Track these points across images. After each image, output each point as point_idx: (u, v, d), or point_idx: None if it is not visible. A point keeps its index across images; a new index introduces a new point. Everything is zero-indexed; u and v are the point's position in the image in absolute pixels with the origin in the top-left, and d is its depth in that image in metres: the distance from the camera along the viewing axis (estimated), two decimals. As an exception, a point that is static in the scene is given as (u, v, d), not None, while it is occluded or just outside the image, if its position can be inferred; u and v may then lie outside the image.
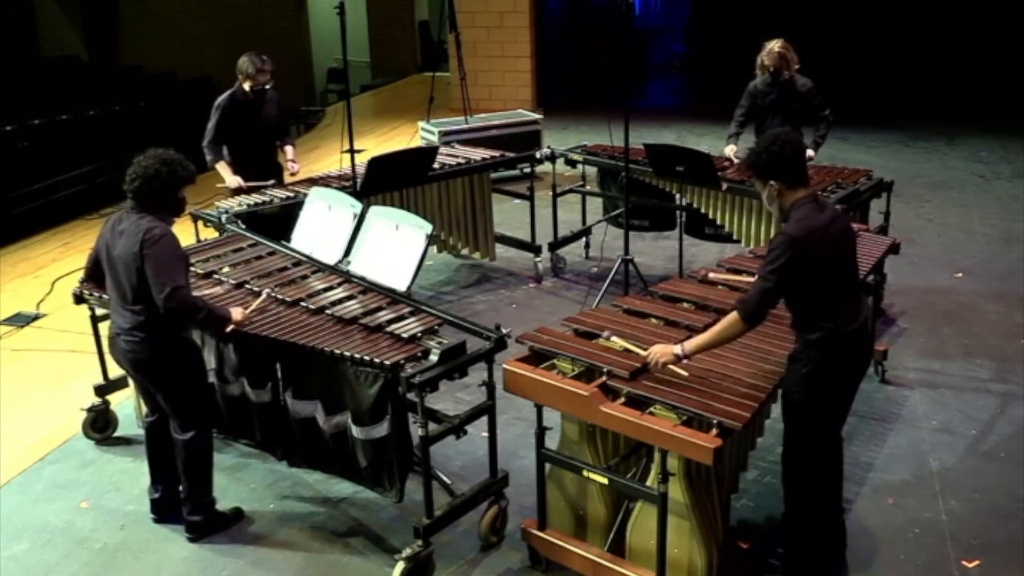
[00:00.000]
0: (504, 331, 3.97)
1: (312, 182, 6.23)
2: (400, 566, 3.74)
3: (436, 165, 6.57)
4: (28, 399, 5.43)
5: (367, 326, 4.05)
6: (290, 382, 4.17)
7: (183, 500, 4.16)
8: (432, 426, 3.80)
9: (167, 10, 16.75)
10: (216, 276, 4.66)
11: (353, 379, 3.84)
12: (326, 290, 4.48)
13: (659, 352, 3.57)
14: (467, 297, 6.83)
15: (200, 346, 4.29)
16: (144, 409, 4.33)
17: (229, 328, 4.01)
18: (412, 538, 3.81)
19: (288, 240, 5.13)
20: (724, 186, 6.06)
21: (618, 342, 3.80)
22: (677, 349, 3.54)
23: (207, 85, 13.60)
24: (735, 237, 6.19)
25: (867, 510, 4.24)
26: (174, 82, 14.56)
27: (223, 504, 4.29)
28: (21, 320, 6.48)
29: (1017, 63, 12.72)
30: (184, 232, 4.00)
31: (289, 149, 6.49)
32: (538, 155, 7.20)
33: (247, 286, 4.54)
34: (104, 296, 4.51)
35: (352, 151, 6.15)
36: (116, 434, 5.01)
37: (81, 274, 4.55)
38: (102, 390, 4.97)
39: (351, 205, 5.00)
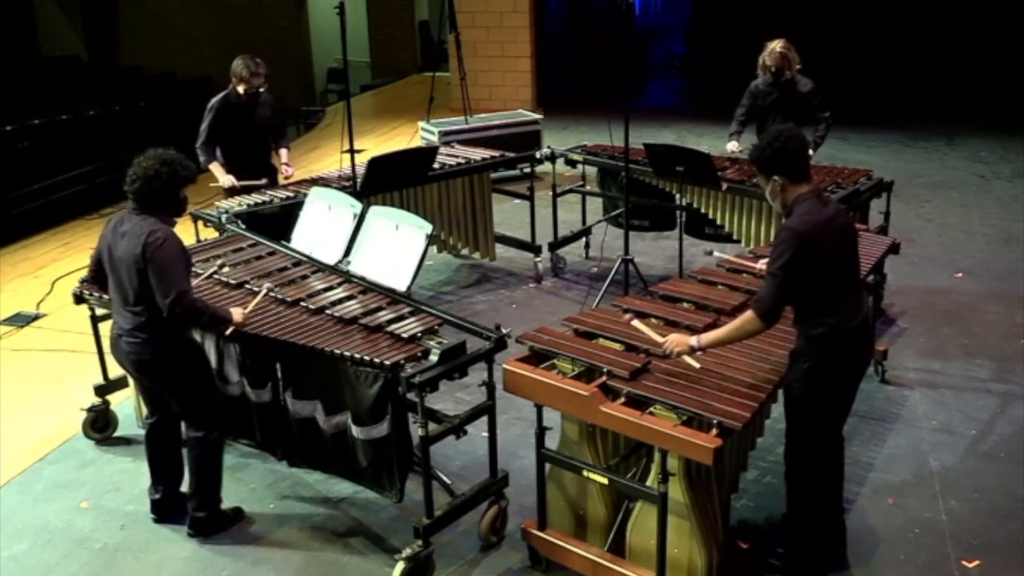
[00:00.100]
0: (504, 331, 3.97)
1: (312, 182, 6.23)
2: (400, 566, 3.74)
3: (436, 165, 6.57)
4: (28, 399, 5.43)
5: (367, 326, 4.05)
6: (290, 382, 4.17)
7: (189, 496, 4.15)
8: (432, 426, 3.80)
9: (167, 10, 16.76)
10: (216, 276, 4.66)
11: (353, 379, 3.84)
12: (326, 290, 4.48)
13: (675, 341, 3.61)
14: (467, 297, 6.83)
15: (201, 345, 4.29)
16: (144, 410, 4.33)
17: (230, 330, 4.01)
18: (412, 538, 3.81)
19: (288, 240, 5.13)
20: (724, 186, 6.06)
21: (639, 326, 3.81)
22: (693, 341, 3.58)
23: (207, 85, 13.58)
24: (735, 237, 6.19)
25: (867, 510, 4.24)
26: (174, 82, 14.56)
27: (223, 504, 4.28)
28: (21, 320, 6.48)
29: (1017, 63, 12.72)
30: (184, 232, 4.00)
31: (284, 152, 6.46)
32: (538, 155, 7.20)
33: (247, 286, 4.54)
34: (105, 297, 4.51)
35: (352, 151, 6.14)
36: (116, 434, 5.01)
37: (81, 274, 4.55)
38: (102, 390, 4.97)
39: (351, 205, 5.00)
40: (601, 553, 3.70)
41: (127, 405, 5.08)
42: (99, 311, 4.75)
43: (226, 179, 6.15)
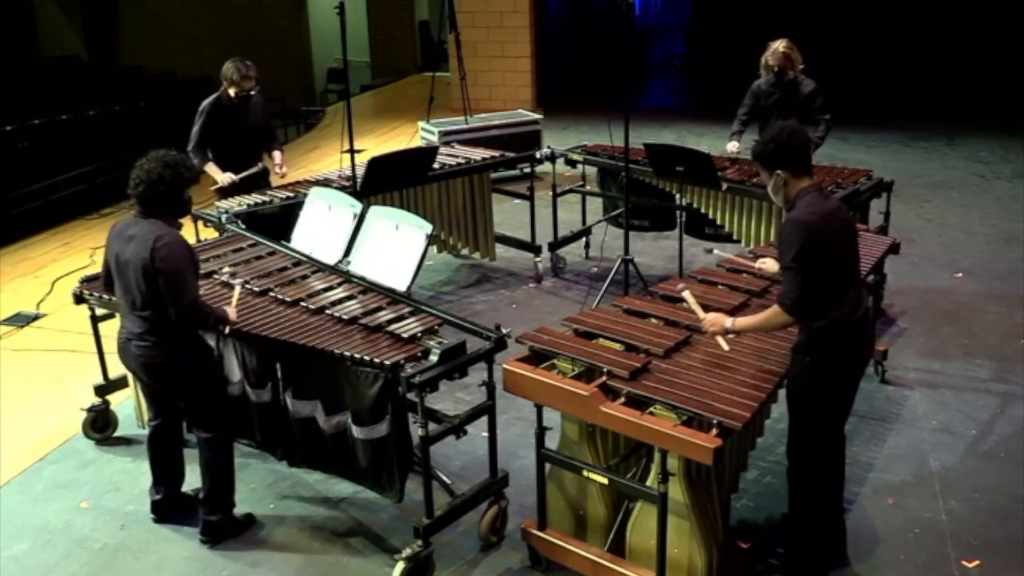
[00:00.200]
0: (504, 331, 3.97)
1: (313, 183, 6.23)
2: (400, 566, 3.74)
3: (436, 165, 6.57)
4: (28, 399, 5.43)
5: (367, 326, 4.05)
6: (290, 382, 4.17)
7: (202, 501, 4.14)
8: (432, 426, 3.80)
9: (167, 10, 16.76)
10: (216, 276, 4.66)
11: (353, 379, 3.84)
12: (326, 290, 4.48)
13: (712, 320, 3.71)
14: (467, 297, 6.83)
15: (210, 346, 4.28)
16: (148, 413, 4.31)
17: (228, 328, 4.03)
18: (412, 538, 3.82)
19: (288, 240, 5.13)
20: (724, 186, 6.06)
21: (688, 298, 3.90)
22: (728, 323, 3.66)
23: (207, 85, 13.57)
24: (735, 237, 6.19)
25: (867, 510, 4.24)
26: (174, 82, 14.55)
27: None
28: (21, 320, 6.48)
29: (1017, 63, 12.72)
30: (184, 232, 3.98)
31: (277, 154, 6.45)
32: (538, 155, 7.20)
33: (247, 286, 4.55)
34: (105, 297, 4.52)
35: (352, 151, 6.14)
36: (116, 434, 5.01)
37: (81, 274, 4.55)
38: (102, 390, 4.97)
39: (351, 205, 5.00)
40: (601, 553, 3.70)
41: (127, 405, 5.08)
42: (99, 311, 4.76)
43: (224, 177, 6.11)
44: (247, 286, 4.51)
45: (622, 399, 3.47)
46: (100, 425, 4.98)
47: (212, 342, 4.32)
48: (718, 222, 6.23)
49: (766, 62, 6.27)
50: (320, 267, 4.76)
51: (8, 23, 15.03)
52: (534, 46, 12.89)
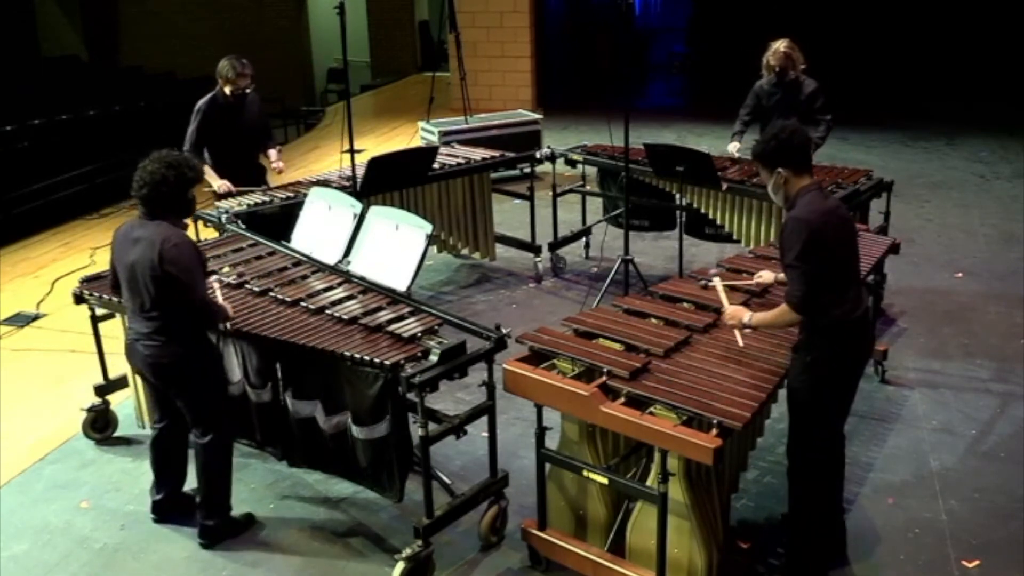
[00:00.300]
0: (504, 331, 3.97)
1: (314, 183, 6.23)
2: (400, 566, 3.74)
3: (436, 165, 6.57)
4: (28, 399, 5.43)
5: (367, 326, 4.05)
6: (290, 382, 4.17)
7: (199, 505, 4.14)
8: (432, 426, 3.80)
9: (167, 10, 16.76)
10: (216, 276, 4.66)
11: (353, 379, 3.84)
12: (326, 290, 4.48)
13: (732, 313, 3.74)
14: (467, 297, 6.83)
15: (217, 348, 4.28)
16: (153, 415, 4.27)
17: (228, 324, 4.05)
18: (412, 538, 3.82)
19: (288, 240, 5.13)
20: (724, 186, 6.06)
21: (718, 286, 3.94)
22: (747, 317, 3.68)
23: (207, 85, 13.57)
24: (735, 237, 6.19)
25: (867, 510, 4.24)
26: (174, 82, 14.55)
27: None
28: (21, 320, 6.48)
29: (1017, 63, 12.72)
30: (184, 232, 3.99)
31: (273, 152, 6.44)
32: (538, 155, 7.20)
33: (247, 286, 4.55)
34: (105, 297, 4.52)
35: (352, 151, 6.14)
36: (116, 434, 5.01)
37: (81, 274, 4.55)
38: (102, 390, 4.97)
39: (351, 205, 5.00)
40: (601, 553, 3.70)
41: (127, 405, 5.07)
42: (99, 311, 4.75)
43: (221, 184, 6.08)
44: (247, 286, 4.51)
45: (622, 399, 3.47)
46: (100, 425, 4.98)
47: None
48: (718, 222, 6.22)
49: (767, 62, 6.25)
50: (320, 267, 4.76)
51: (8, 23, 15.03)
52: (534, 46, 12.89)
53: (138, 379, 4.61)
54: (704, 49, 16.06)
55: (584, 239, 7.45)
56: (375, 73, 18.35)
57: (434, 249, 6.91)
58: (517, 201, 7.83)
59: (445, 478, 4.21)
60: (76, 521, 4.34)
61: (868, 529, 4.11)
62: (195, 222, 5.77)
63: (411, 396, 3.73)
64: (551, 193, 7.04)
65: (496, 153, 7.12)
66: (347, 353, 3.80)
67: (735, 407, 3.33)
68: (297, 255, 4.90)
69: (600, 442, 3.76)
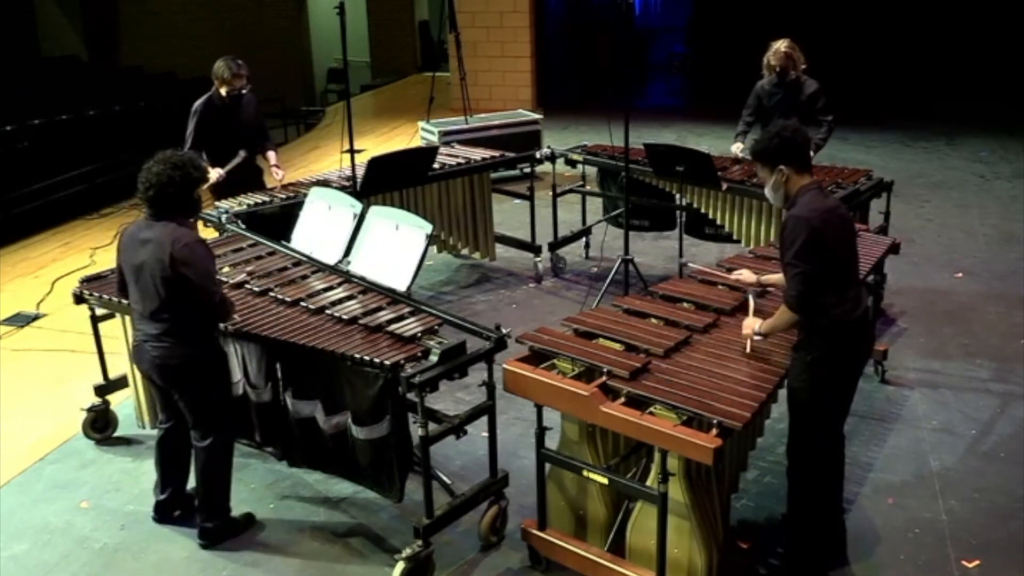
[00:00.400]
0: (504, 331, 3.97)
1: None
2: (400, 566, 3.74)
3: (436, 165, 6.57)
4: (28, 399, 5.43)
5: (367, 326, 4.05)
6: (290, 382, 4.17)
7: (198, 507, 4.13)
8: (432, 426, 3.80)
9: (167, 10, 16.76)
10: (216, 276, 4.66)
11: (353, 379, 3.84)
12: (326, 290, 4.48)
13: (747, 324, 3.80)
14: (467, 297, 6.83)
15: (224, 351, 4.27)
16: (160, 415, 4.26)
17: (230, 324, 4.06)
18: (412, 538, 3.82)
19: (288, 240, 5.13)
20: (724, 186, 6.06)
21: (752, 304, 4.02)
22: (757, 326, 3.73)
23: (207, 85, 13.58)
24: (735, 237, 6.19)
25: (867, 510, 4.24)
26: (174, 82, 14.55)
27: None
28: (21, 320, 6.48)
29: (1017, 63, 12.72)
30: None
31: (271, 155, 6.43)
32: (538, 155, 7.20)
33: (247, 286, 4.55)
34: (105, 297, 4.52)
35: (352, 151, 6.14)
36: (116, 434, 5.01)
37: (81, 274, 4.55)
38: (102, 390, 4.97)
39: (351, 205, 5.00)
40: (601, 553, 3.70)
41: (127, 405, 5.07)
42: (99, 311, 4.75)
43: (212, 173, 6.02)
44: (247, 286, 4.52)
45: (622, 399, 3.47)
46: (100, 425, 4.98)
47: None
48: (718, 222, 6.23)
49: (768, 62, 6.24)
50: (320, 267, 4.76)
51: (8, 23, 15.02)
52: (534, 46, 12.89)
53: (139, 379, 4.61)
54: (704, 49, 16.06)
55: (584, 239, 7.45)
56: (375, 73, 18.35)
57: (434, 249, 6.91)
58: (517, 201, 7.83)
59: (445, 478, 4.20)
60: (76, 521, 4.34)
61: (868, 529, 4.11)
62: (195, 222, 5.77)
63: (411, 396, 3.73)
64: (551, 193, 7.04)
65: (496, 153, 7.12)
66: (347, 353, 3.80)
67: (735, 407, 3.33)
68: (297, 255, 4.90)
69: (600, 442, 3.76)
